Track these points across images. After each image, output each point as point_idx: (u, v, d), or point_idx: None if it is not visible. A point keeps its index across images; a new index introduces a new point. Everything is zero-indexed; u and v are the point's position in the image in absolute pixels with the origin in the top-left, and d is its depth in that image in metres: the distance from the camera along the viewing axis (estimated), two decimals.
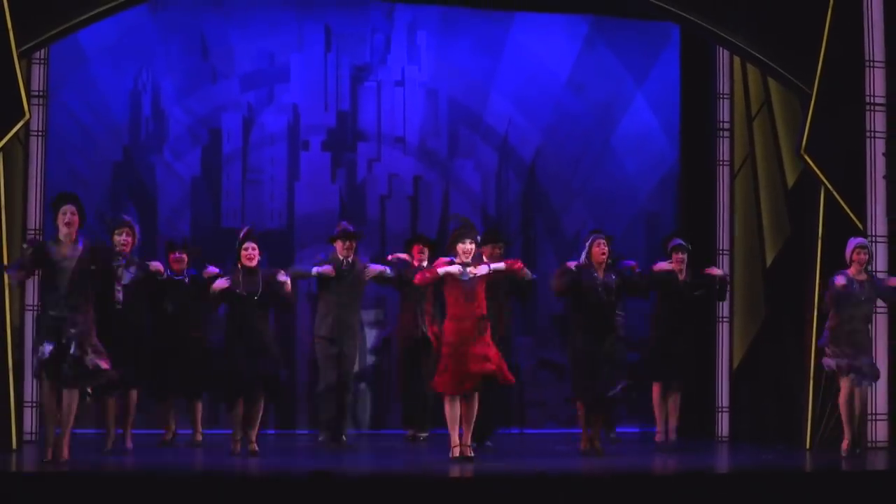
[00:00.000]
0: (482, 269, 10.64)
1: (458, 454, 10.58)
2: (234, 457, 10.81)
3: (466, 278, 10.56)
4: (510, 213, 14.55)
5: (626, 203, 14.68)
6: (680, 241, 12.34)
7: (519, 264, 10.86)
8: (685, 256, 12.21)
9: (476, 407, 10.67)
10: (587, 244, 11.42)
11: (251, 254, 10.91)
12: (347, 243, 11.92)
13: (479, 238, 10.75)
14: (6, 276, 10.94)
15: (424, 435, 12.77)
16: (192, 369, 11.68)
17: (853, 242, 11.76)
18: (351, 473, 9.88)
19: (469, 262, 10.59)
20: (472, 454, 10.62)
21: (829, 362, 11.69)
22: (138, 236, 11.31)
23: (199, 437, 11.91)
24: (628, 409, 13.88)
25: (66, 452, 10.05)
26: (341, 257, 11.93)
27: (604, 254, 11.32)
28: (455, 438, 10.62)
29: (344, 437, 12.01)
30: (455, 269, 10.57)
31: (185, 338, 11.65)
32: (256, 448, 10.93)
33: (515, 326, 13.25)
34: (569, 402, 12.19)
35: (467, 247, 10.58)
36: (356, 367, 12.53)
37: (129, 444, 11.36)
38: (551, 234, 14.57)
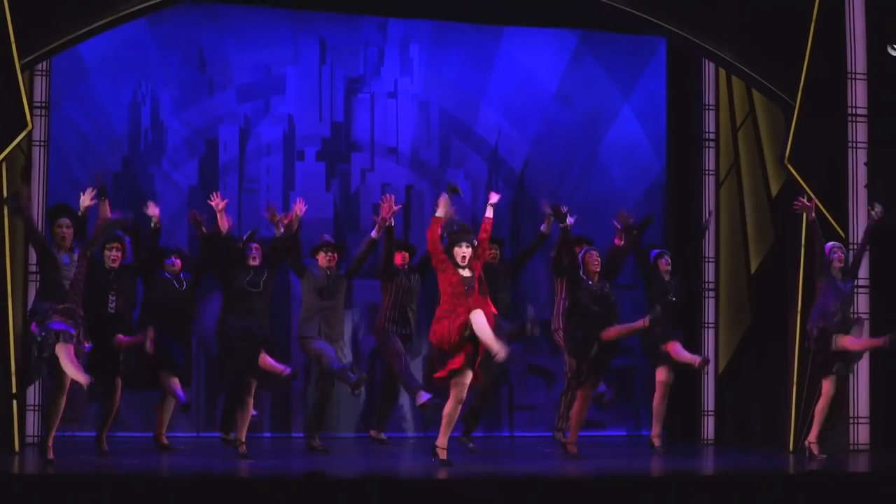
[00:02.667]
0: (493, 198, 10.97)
1: (443, 456, 10.65)
2: (243, 458, 11.07)
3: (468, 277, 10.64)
4: (499, 222, 14.53)
5: (613, 212, 14.46)
6: (658, 249, 12.66)
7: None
8: (669, 259, 12.51)
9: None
10: (581, 257, 11.91)
11: (255, 254, 11.57)
12: (329, 255, 12.13)
13: (475, 241, 10.74)
14: (7, 260, 11.37)
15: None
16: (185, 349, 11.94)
17: (826, 246, 11.79)
18: (344, 474, 9.96)
19: (466, 265, 10.64)
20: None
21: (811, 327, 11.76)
22: (129, 251, 11.48)
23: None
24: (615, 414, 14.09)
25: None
26: (323, 267, 12.16)
27: (596, 264, 11.80)
28: (443, 440, 10.69)
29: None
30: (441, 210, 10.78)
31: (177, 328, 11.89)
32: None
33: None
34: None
35: (464, 251, 10.63)
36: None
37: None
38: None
